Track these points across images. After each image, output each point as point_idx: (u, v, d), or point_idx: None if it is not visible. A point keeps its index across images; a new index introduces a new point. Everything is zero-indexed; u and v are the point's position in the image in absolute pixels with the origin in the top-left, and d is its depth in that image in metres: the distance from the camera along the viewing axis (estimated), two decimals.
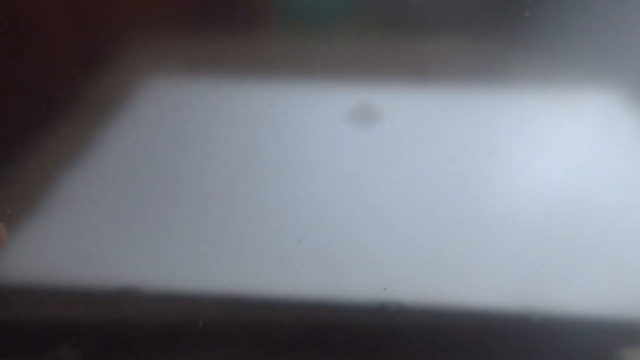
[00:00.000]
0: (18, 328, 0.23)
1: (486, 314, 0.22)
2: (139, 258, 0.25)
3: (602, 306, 0.23)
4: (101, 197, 0.29)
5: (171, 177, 0.31)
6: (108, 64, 0.47)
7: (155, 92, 0.41)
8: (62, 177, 0.31)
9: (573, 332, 0.22)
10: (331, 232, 0.27)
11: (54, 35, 0.52)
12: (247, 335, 0.23)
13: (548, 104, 0.40)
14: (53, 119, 0.39)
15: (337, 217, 0.28)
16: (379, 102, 0.40)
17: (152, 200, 0.29)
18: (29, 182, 0.31)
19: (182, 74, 0.46)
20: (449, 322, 0.23)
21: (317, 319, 0.23)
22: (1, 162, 0.29)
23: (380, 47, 0.52)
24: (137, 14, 0.56)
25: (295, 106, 0.39)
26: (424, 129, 0.36)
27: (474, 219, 0.28)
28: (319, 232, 0.27)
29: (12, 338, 0.24)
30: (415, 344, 0.24)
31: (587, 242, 0.26)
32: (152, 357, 0.26)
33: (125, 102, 0.39)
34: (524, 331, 0.23)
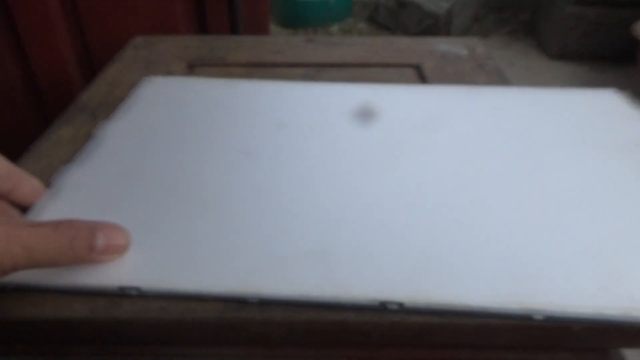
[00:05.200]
0: (18, 327, 0.23)
1: (486, 314, 0.22)
2: (141, 257, 0.25)
3: (602, 306, 0.23)
4: (102, 197, 0.29)
5: (172, 176, 0.31)
6: (108, 64, 0.47)
7: (155, 91, 0.41)
8: (63, 176, 0.31)
9: (572, 332, 0.22)
10: (331, 232, 0.27)
11: (54, 35, 0.52)
12: (247, 334, 0.23)
13: (548, 102, 0.40)
14: (54, 118, 0.39)
15: (336, 217, 0.28)
16: (379, 102, 0.40)
17: (154, 198, 0.29)
18: None
19: (182, 73, 0.46)
20: (449, 322, 0.23)
21: (318, 318, 0.23)
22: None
23: (381, 47, 0.52)
24: (138, 14, 0.56)
25: (296, 106, 0.39)
26: (423, 129, 0.36)
27: (475, 219, 0.28)
28: (319, 233, 0.27)
29: (11, 337, 0.24)
30: (415, 344, 0.24)
31: (587, 243, 0.26)
32: (152, 357, 0.26)
33: (126, 102, 0.39)
34: (523, 331, 0.23)
